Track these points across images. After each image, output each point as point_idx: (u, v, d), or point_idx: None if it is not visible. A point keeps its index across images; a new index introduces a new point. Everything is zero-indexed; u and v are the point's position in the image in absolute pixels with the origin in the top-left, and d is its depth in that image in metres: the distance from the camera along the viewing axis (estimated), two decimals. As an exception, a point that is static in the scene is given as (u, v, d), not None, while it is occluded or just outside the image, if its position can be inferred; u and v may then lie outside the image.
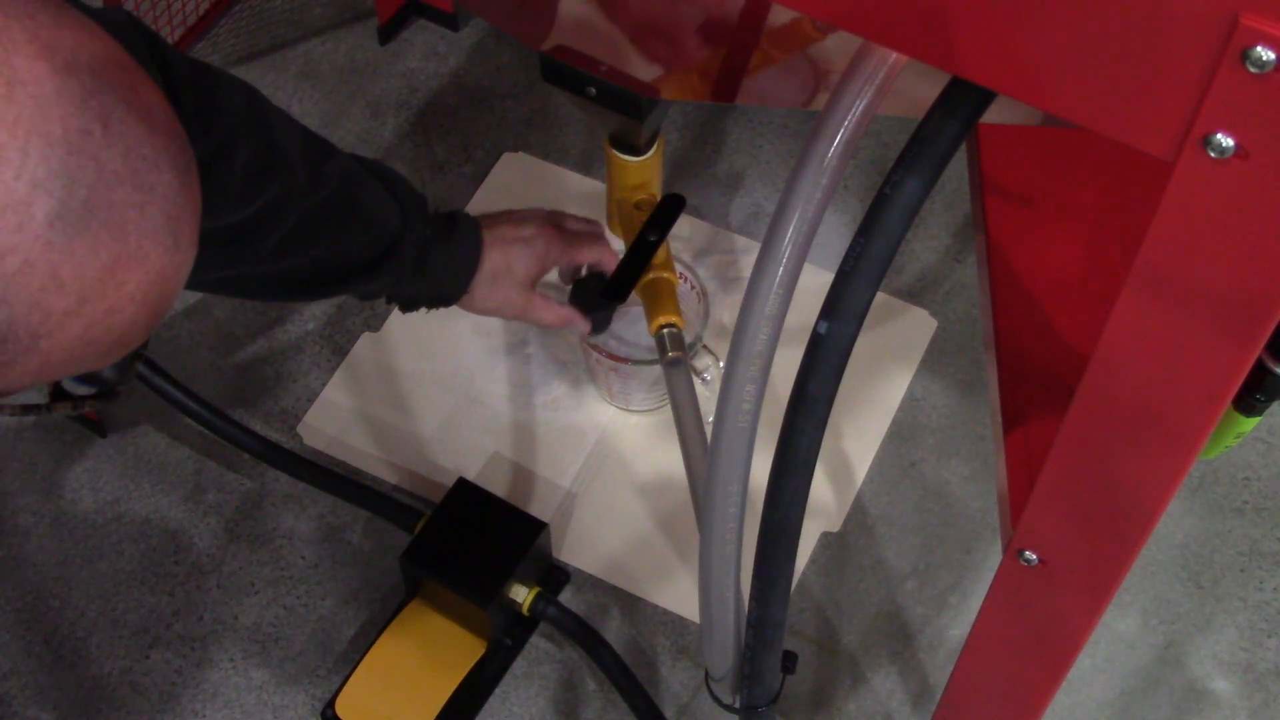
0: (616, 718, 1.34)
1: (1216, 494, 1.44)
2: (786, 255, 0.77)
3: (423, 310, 1.21)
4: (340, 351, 1.52)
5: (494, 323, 1.52)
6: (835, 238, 1.52)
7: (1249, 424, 0.81)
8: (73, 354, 0.61)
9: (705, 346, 1.38)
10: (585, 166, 1.64)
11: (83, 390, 0.73)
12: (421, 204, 1.14)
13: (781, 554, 0.86)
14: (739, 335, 0.80)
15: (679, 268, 1.34)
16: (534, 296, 1.22)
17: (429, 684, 1.33)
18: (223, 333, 1.54)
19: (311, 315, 1.55)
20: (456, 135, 1.67)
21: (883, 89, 0.72)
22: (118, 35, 0.63)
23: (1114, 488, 0.76)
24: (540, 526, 1.33)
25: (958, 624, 1.38)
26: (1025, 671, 0.96)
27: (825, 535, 1.42)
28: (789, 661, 1.04)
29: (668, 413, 1.31)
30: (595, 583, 1.40)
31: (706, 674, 1.09)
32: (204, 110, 0.96)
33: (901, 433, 1.47)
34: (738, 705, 1.07)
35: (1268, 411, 0.81)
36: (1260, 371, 0.76)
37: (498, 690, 1.35)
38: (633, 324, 1.44)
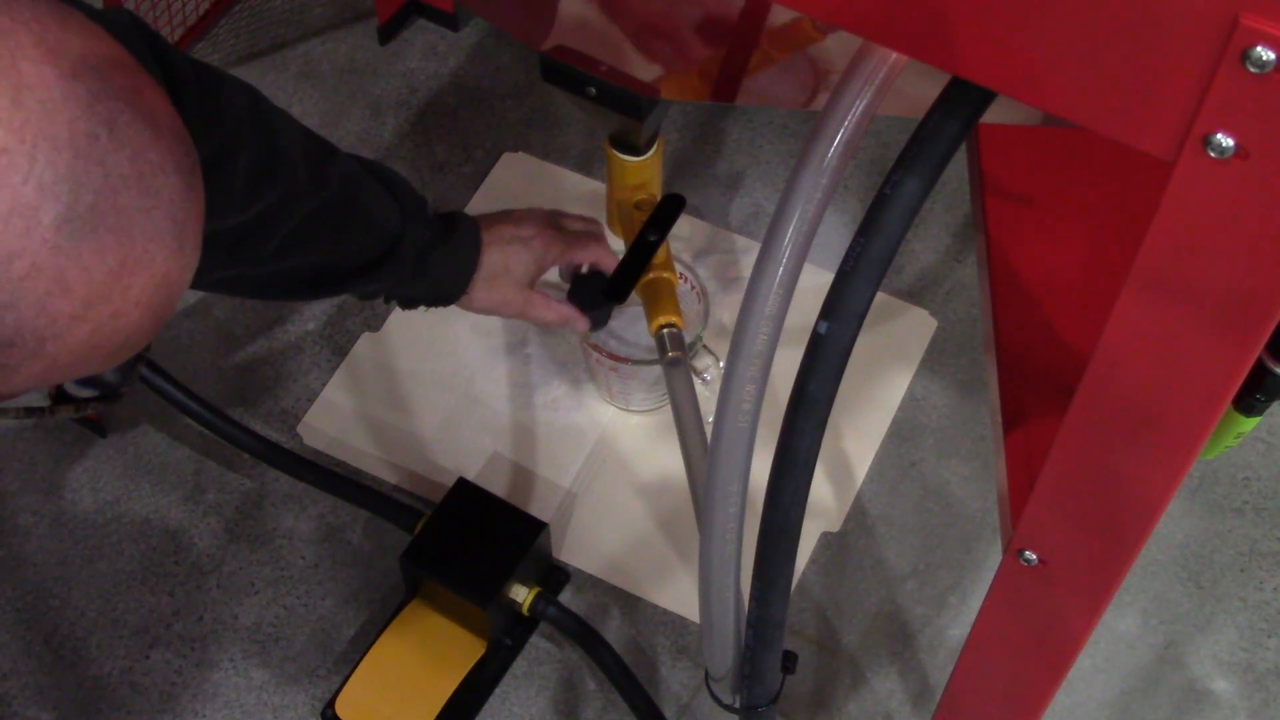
0: (616, 718, 1.34)
1: (1216, 494, 1.44)
2: (786, 255, 0.77)
3: (422, 309, 1.21)
4: (340, 351, 1.52)
5: (494, 323, 1.52)
6: (835, 238, 1.52)
7: (1249, 424, 0.81)
8: (78, 357, 0.61)
9: (705, 346, 1.38)
10: (585, 166, 1.64)
11: (86, 393, 0.73)
12: (421, 205, 1.14)
13: (781, 554, 0.86)
14: (739, 335, 0.80)
15: (679, 268, 1.34)
16: (532, 295, 1.22)
17: (429, 684, 1.33)
18: (223, 333, 1.54)
19: (311, 315, 1.55)
20: (456, 135, 1.67)
21: (883, 89, 0.72)
22: (120, 36, 0.64)
23: (1114, 488, 0.76)
24: (540, 526, 1.33)
25: (958, 624, 1.38)
26: (1025, 671, 0.96)
27: (825, 535, 1.42)
28: (789, 661, 1.04)
29: (668, 413, 1.31)
30: (595, 583, 1.40)
31: (706, 674, 1.09)
32: (206, 112, 0.96)
33: (901, 433, 1.47)
34: (738, 705, 1.07)
35: (1268, 411, 0.81)
36: (1260, 371, 0.76)
37: (498, 690, 1.35)
38: (633, 324, 1.44)
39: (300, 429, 1.48)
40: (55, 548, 1.43)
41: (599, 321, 1.29)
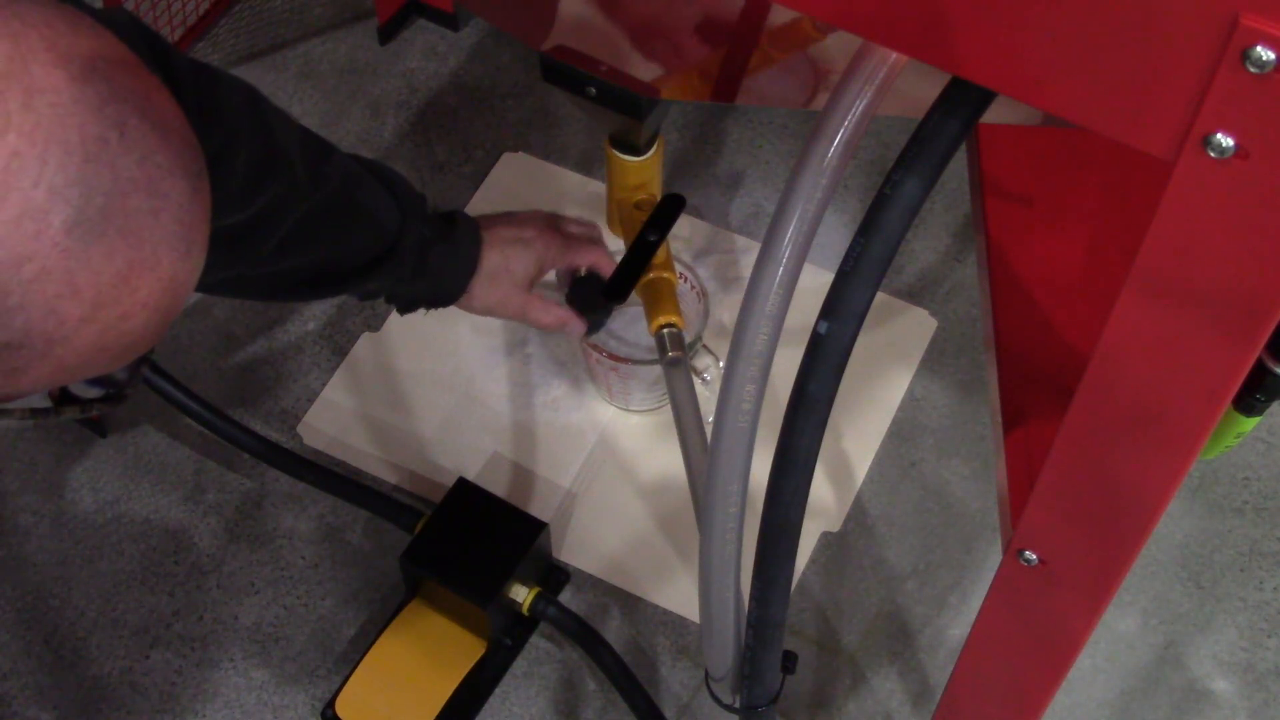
0: (616, 718, 1.34)
1: (1216, 494, 1.44)
2: (786, 255, 0.77)
3: (421, 311, 1.21)
4: (340, 351, 1.52)
5: (494, 323, 1.52)
6: (835, 238, 1.52)
7: (1249, 424, 0.81)
8: (85, 359, 0.62)
9: (705, 346, 1.38)
10: (585, 166, 1.64)
11: (90, 393, 0.73)
12: (421, 204, 1.14)
13: (781, 554, 0.86)
14: (739, 335, 0.80)
15: (679, 268, 1.34)
16: (532, 298, 1.22)
17: (429, 684, 1.33)
18: (223, 333, 1.54)
19: (311, 315, 1.55)
20: (456, 135, 1.67)
21: (883, 89, 0.72)
22: (121, 36, 0.64)
23: (1114, 488, 0.76)
24: (540, 526, 1.33)
25: (958, 624, 1.38)
26: (1025, 671, 0.96)
27: (825, 535, 1.42)
28: (789, 661, 1.04)
29: (668, 413, 1.31)
30: (595, 583, 1.40)
31: (706, 674, 1.09)
32: (205, 111, 0.96)
33: (901, 433, 1.47)
34: (738, 705, 1.07)
35: (1268, 411, 0.81)
36: (1260, 371, 0.76)
37: (498, 690, 1.35)
38: (633, 324, 1.44)
39: (300, 429, 1.48)
40: (55, 548, 1.43)
41: (596, 325, 1.29)
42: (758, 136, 1.67)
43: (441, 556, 1.31)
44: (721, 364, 1.23)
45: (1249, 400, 0.78)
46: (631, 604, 1.39)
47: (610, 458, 1.45)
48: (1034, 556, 0.84)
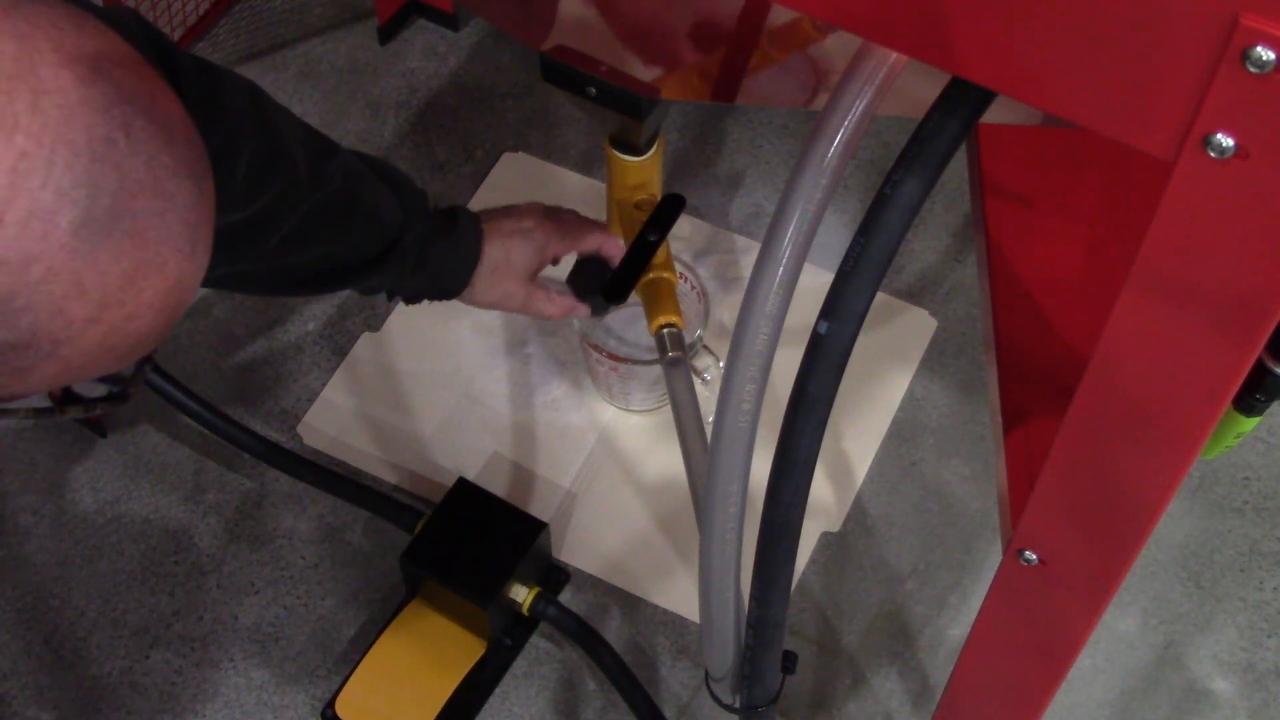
0: (616, 718, 1.34)
1: (1216, 494, 1.44)
2: (786, 255, 0.77)
3: (425, 303, 1.21)
4: (340, 351, 1.52)
5: (494, 323, 1.52)
6: (835, 238, 1.52)
7: (1249, 424, 0.81)
8: (91, 359, 0.62)
9: (705, 346, 1.38)
10: (585, 166, 1.64)
11: (94, 393, 0.73)
12: (422, 199, 1.15)
13: (781, 554, 0.86)
14: (739, 335, 0.80)
15: (679, 268, 1.34)
16: (534, 289, 1.23)
17: (429, 684, 1.33)
18: (223, 333, 1.54)
19: (311, 315, 1.55)
20: (456, 135, 1.67)
21: (883, 89, 0.72)
22: (123, 32, 0.64)
23: (1114, 488, 0.76)
24: (540, 526, 1.33)
25: (958, 624, 1.38)
26: (1025, 671, 0.96)
27: (825, 535, 1.42)
28: (789, 661, 1.04)
29: (668, 413, 1.31)
30: (595, 583, 1.40)
31: (706, 674, 1.09)
32: (207, 109, 0.96)
33: (901, 433, 1.47)
34: (738, 705, 1.07)
35: (1268, 411, 0.81)
36: (1260, 371, 0.76)
37: (498, 690, 1.35)
38: (633, 324, 1.44)
39: (300, 429, 1.48)
40: (55, 548, 1.43)
41: (600, 308, 1.29)
42: (758, 136, 1.67)
43: (441, 556, 1.31)
44: (721, 364, 1.23)
45: (1249, 400, 0.78)
46: (631, 604, 1.39)
47: (610, 458, 1.45)
48: (1034, 556, 0.84)
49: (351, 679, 1.33)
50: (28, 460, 1.47)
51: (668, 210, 1.25)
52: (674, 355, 1.23)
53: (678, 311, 1.25)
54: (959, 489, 1.45)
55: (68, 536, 1.43)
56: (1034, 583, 0.86)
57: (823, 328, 0.74)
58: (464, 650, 1.34)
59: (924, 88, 0.70)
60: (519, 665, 1.36)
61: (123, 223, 0.59)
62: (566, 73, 1.11)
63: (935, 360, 1.51)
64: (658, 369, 1.33)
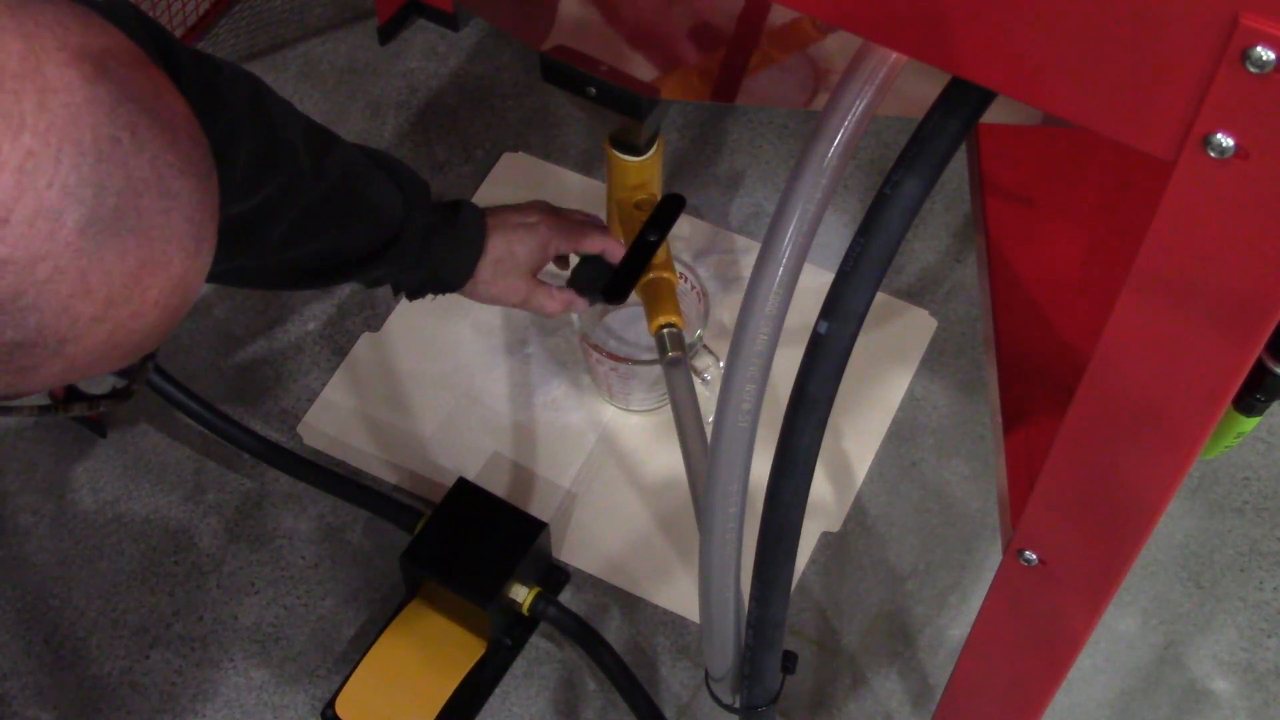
0: (616, 718, 1.34)
1: (1216, 494, 1.44)
2: (786, 255, 0.77)
3: (429, 298, 1.22)
4: (340, 351, 1.52)
5: (494, 323, 1.52)
6: (835, 238, 1.52)
7: (1249, 424, 0.81)
8: (96, 357, 0.62)
9: (705, 346, 1.38)
10: (585, 166, 1.64)
11: (97, 390, 0.74)
12: (424, 191, 1.15)
13: (781, 554, 0.86)
14: (739, 335, 0.80)
15: (679, 268, 1.34)
16: (536, 284, 1.23)
17: (429, 684, 1.33)
18: (223, 333, 1.54)
19: (311, 315, 1.55)
20: (456, 135, 1.67)
21: (883, 89, 0.72)
22: (125, 28, 0.64)
23: (1114, 488, 0.76)
24: (540, 526, 1.33)
25: (958, 624, 1.38)
26: (1025, 671, 0.96)
27: (825, 535, 1.42)
28: (789, 661, 1.04)
29: (668, 413, 1.31)
30: (595, 583, 1.40)
31: (706, 674, 1.09)
32: (208, 102, 0.96)
33: (901, 433, 1.47)
34: (738, 705, 1.07)
35: (1268, 411, 0.81)
36: (1260, 371, 0.76)
37: (498, 690, 1.35)
38: (633, 324, 1.44)
39: (300, 429, 1.48)
40: (55, 548, 1.43)
41: (598, 301, 1.29)
42: (758, 136, 1.67)
43: (441, 556, 1.31)
44: (721, 364, 1.23)
45: (1249, 400, 0.78)
46: (631, 604, 1.39)
47: (610, 458, 1.45)
48: (1034, 556, 0.84)
49: (351, 679, 1.33)
50: (28, 460, 1.47)
51: (668, 210, 1.25)
52: (674, 355, 1.23)
53: (678, 311, 1.25)
54: (959, 489, 1.45)
55: (68, 536, 1.43)
56: (1034, 583, 0.86)
57: (823, 328, 0.74)
58: (464, 650, 1.34)
59: (924, 88, 0.70)
60: (519, 665, 1.36)
61: (128, 221, 0.60)
62: (566, 73, 1.11)
63: (935, 360, 1.51)
64: (658, 369, 1.33)
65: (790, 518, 0.83)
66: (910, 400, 1.49)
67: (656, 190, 1.29)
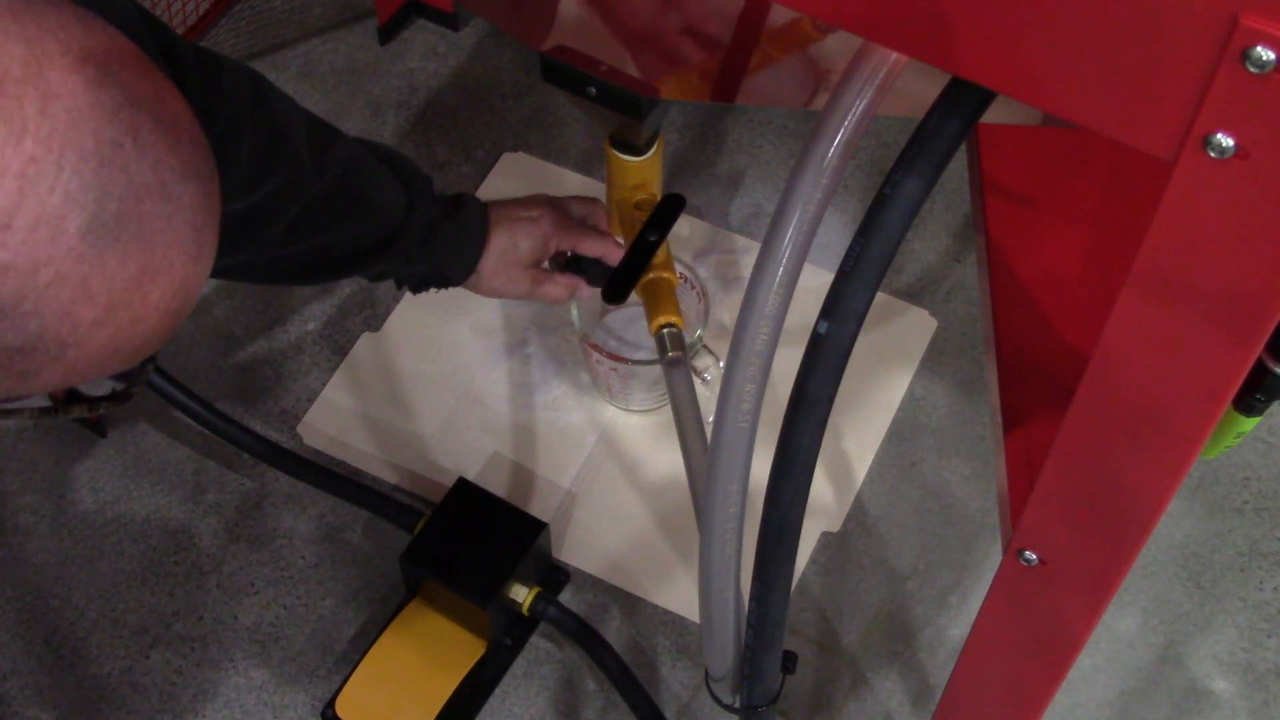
0: (616, 718, 1.34)
1: (1216, 494, 1.44)
2: (786, 255, 0.77)
3: (431, 292, 1.22)
4: (340, 351, 1.52)
5: (494, 322, 1.52)
6: (835, 238, 1.52)
7: (1249, 424, 0.81)
8: (97, 362, 0.62)
9: (705, 346, 1.38)
10: (585, 166, 1.64)
11: (97, 392, 0.74)
12: (427, 185, 1.15)
13: (781, 554, 0.86)
14: (739, 335, 0.80)
15: (679, 268, 1.34)
16: (539, 274, 1.24)
17: (429, 684, 1.33)
18: (223, 333, 1.54)
19: (311, 315, 1.55)
20: (456, 135, 1.67)
21: (883, 89, 0.72)
22: (127, 26, 0.64)
23: (1114, 488, 0.76)
24: (540, 526, 1.33)
25: (958, 624, 1.38)
26: (1025, 671, 0.96)
27: (825, 535, 1.42)
28: (789, 661, 1.04)
29: (668, 413, 1.31)
30: (595, 583, 1.40)
31: (706, 674, 1.09)
32: (209, 97, 0.96)
33: (901, 433, 1.47)
34: (738, 705, 1.07)
35: (1268, 411, 0.81)
36: (1260, 371, 0.76)
37: (498, 690, 1.35)
38: (633, 324, 1.44)
39: (300, 429, 1.48)
40: (55, 548, 1.43)
41: (595, 280, 1.30)
42: (758, 136, 1.67)
43: (441, 556, 1.31)
44: (721, 364, 1.23)
45: (1249, 400, 0.78)
46: (631, 604, 1.39)
47: (610, 458, 1.45)
48: (1034, 556, 0.84)
49: (351, 679, 1.33)
50: (28, 460, 1.47)
51: (668, 210, 1.26)
52: (674, 355, 1.23)
53: (678, 311, 1.25)
54: (959, 489, 1.45)
55: (68, 536, 1.43)
56: (1034, 583, 0.86)
57: (823, 328, 0.75)
58: (464, 650, 1.34)
59: (924, 88, 0.70)
60: (519, 665, 1.36)
61: (130, 226, 0.60)
62: (566, 73, 1.11)
63: (935, 360, 1.51)
64: (658, 369, 1.33)
65: (790, 518, 0.83)
66: (910, 400, 1.49)
67: (656, 190, 1.29)
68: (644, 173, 1.27)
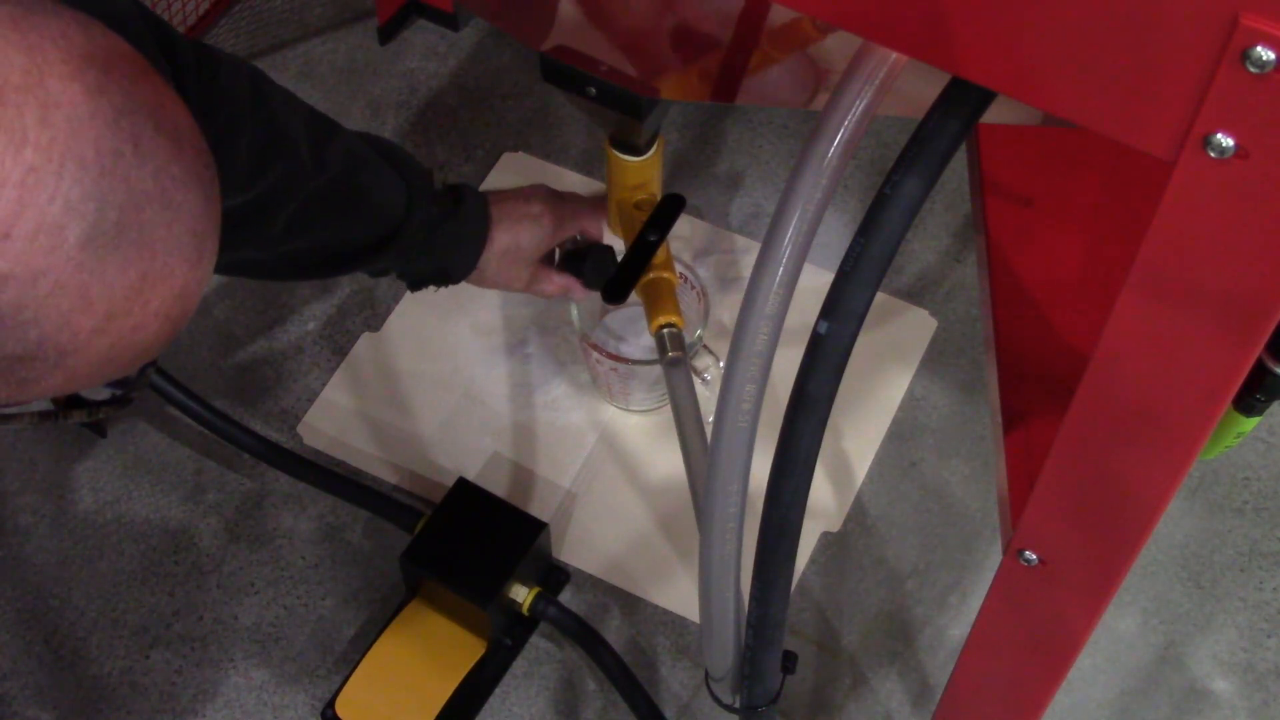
0: (616, 718, 1.34)
1: (1216, 494, 1.44)
2: (786, 255, 0.77)
3: (431, 290, 1.22)
4: (340, 351, 1.52)
5: (494, 322, 1.52)
6: (835, 238, 1.52)
7: (1249, 424, 0.81)
8: (96, 369, 0.62)
9: (705, 346, 1.38)
10: (585, 166, 1.64)
11: (97, 397, 0.74)
12: (428, 181, 1.15)
13: (781, 554, 0.86)
14: (739, 335, 0.80)
15: (679, 268, 1.34)
16: (539, 270, 1.24)
17: (429, 684, 1.33)
18: (223, 333, 1.54)
19: (311, 315, 1.55)
20: (456, 135, 1.67)
21: (883, 89, 0.72)
22: (126, 24, 0.64)
23: (1114, 488, 0.76)
24: (540, 526, 1.33)
25: (958, 624, 1.38)
26: (1025, 671, 0.96)
27: (825, 535, 1.42)
28: (789, 661, 1.04)
29: (668, 413, 1.31)
30: (595, 583, 1.40)
31: (706, 674, 1.09)
32: (208, 93, 0.96)
33: (901, 433, 1.47)
34: (738, 705, 1.07)
35: (1268, 411, 0.81)
36: (1260, 371, 0.76)
37: (498, 690, 1.35)
38: (633, 324, 1.44)
39: (300, 429, 1.48)
40: (55, 548, 1.43)
41: (593, 283, 1.30)
42: (758, 136, 1.67)
43: (441, 556, 1.31)
44: (721, 364, 1.23)
45: (1249, 400, 0.78)
46: (631, 604, 1.39)
47: (610, 458, 1.45)
48: (1034, 556, 0.84)
49: (351, 679, 1.33)
50: (28, 460, 1.47)
51: (668, 210, 1.26)
52: (674, 355, 1.23)
53: (678, 311, 1.25)
54: (959, 489, 1.45)
55: (68, 536, 1.43)
56: (1034, 583, 0.86)
57: (823, 328, 0.74)
58: (464, 650, 1.34)
59: (924, 88, 0.70)
60: (519, 665, 1.36)
61: (130, 235, 0.59)
62: (566, 73, 1.11)
63: (935, 360, 1.51)
64: (658, 369, 1.33)
65: (790, 518, 0.83)
66: (910, 400, 1.49)
67: (656, 190, 1.29)
68: (644, 173, 1.27)
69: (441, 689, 1.33)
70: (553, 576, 1.39)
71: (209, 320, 1.55)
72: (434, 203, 1.15)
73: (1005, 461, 0.88)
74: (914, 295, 1.55)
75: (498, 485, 1.42)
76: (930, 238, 1.59)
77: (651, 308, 1.25)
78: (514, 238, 1.21)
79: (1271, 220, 0.58)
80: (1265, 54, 0.53)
